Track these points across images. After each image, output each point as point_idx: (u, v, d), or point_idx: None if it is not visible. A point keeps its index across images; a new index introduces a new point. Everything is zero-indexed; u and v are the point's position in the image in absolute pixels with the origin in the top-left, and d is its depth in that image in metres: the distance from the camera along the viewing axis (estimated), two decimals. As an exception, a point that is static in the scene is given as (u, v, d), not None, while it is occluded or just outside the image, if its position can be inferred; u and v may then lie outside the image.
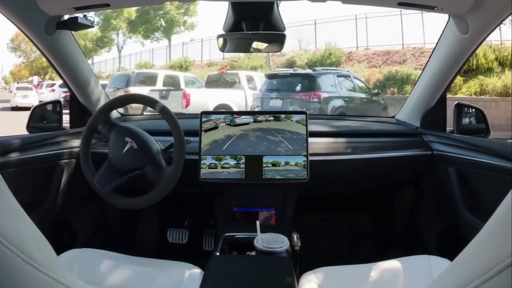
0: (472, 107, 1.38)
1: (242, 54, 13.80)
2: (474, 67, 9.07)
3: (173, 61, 17.86)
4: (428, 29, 11.08)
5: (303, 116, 1.24)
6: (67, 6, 1.07)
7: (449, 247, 1.29)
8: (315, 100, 6.75)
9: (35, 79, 25.66)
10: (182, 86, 9.11)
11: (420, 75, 1.42)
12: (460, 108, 1.37)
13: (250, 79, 8.96)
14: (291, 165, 1.21)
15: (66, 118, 1.43)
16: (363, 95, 7.77)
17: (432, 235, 1.37)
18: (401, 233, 1.59)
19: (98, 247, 1.09)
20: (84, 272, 0.97)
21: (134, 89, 8.35)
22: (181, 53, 18.38)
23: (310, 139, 1.24)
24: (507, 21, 7.32)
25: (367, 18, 12.78)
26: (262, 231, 1.03)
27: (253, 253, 1.01)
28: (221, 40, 1.23)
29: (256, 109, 6.93)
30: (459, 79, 8.59)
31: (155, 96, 7.55)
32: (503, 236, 0.28)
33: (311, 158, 1.22)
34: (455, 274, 0.34)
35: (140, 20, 19.94)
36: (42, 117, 1.45)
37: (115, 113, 1.59)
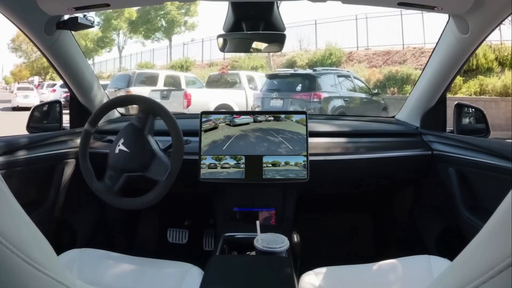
0: (472, 107, 1.38)
1: (242, 54, 13.81)
2: (474, 67, 9.07)
3: (173, 61, 17.87)
4: (428, 29, 11.09)
5: (303, 116, 1.24)
6: (67, 6, 1.07)
7: (449, 247, 1.29)
8: (315, 100, 6.76)
9: (36, 79, 25.70)
10: (183, 86, 9.11)
11: (420, 75, 1.42)
12: (460, 108, 1.37)
13: (250, 79, 8.96)
14: (291, 165, 1.21)
15: (66, 118, 1.43)
16: (363, 95, 7.77)
17: (432, 235, 1.37)
18: (401, 233, 1.58)
19: (98, 247, 1.09)
20: (84, 272, 0.97)
21: (135, 89, 8.36)
22: (181, 53, 18.42)
23: (310, 139, 1.24)
24: (507, 21, 7.32)
25: (368, 18, 12.79)
26: (262, 231, 1.03)
27: (253, 253, 1.00)
28: (221, 40, 1.23)
29: (257, 109, 6.94)
30: (459, 79, 8.59)
31: (157, 96, 7.58)
32: (503, 236, 0.28)
33: (311, 158, 1.22)
34: (455, 274, 0.34)
35: (141, 20, 19.96)
36: (42, 117, 1.45)
37: (115, 114, 1.60)
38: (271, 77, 7.90)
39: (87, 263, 1.01)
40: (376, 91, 8.24)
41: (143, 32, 20.44)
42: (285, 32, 1.19)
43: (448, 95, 1.42)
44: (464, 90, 8.81)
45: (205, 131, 1.24)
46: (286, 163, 1.21)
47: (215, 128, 1.25)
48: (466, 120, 1.39)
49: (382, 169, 1.38)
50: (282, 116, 1.25)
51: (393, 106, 7.87)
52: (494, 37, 9.23)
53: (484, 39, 1.12)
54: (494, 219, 0.31)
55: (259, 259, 0.96)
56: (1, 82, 36.45)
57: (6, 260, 0.30)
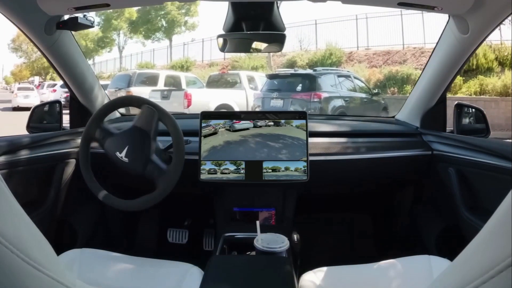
0: (472, 107, 1.38)
1: (243, 54, 13.81)
2: (474, 67, 9.08)
3: (174, 61, 17.87)
4: (429, 29, 11.10)
5: (303, 122, 1.24)
6: (67, 6, 1.07)
7: (449, 247, 1.29)
8: (315, 100, 6.77)
9: (36, 79, 25.73)
10: (184, 86, 9.11)
11: (420, 75, 1.42)
12: (460, 108, 1.37)
13: (251, 79, 8.97)
14: (291, 170, 1.21)
15: (66, 118, 1.43)
16: (363, 95, 7.78)
17: (432, 235, 1.37)
18: (401, 233, 1.58)
19: (98, 247, 1.09)
20: (84, 272, 0.97)
21: (136, 90, 8.36)
22: (182, 53, 18.42)
23: (310, 139, 1.24)
24: (507, 21, 7.32)
25: (368, 18, 12.79)
26: (262, 231, 1.03)
27: (253, 253, 1.00)
28: (221, 40, 1.23)
29: (257, 109, 6.94)
30: (459, 79, 8.59)
31: (157, 96, 7.58)
32: (503, 236, 0.28)
33: (311, 158, 1.22)
34: (455, 274, 0.34)
35: (141, 20, 19.97)
36: (42, 117, 1.45)
37: (116, 114, 1.60)
38: (271, 77, 7.91)
39: (87, 263, 1.01)
40: (376, 91, 8.25)
41: (143, 32, 20.45)
42: (285, 32, 1.19)
43: (448, 95, 1.42)
44: (464, 90, 8.81)
45: (205, 136, 1.24)
46: (286, 169, 1.21)
47: (214, 133, 1.25)
48: (466, 120, 1.39)
49: (382, 169, 1.38)
50: (282, 121, 1.25)
51: (393, 106, 7.87)
52: (494, 37, 9.25)
53: (484, 39, 1.11)
54: (494, 219, 0.31)
55: (259, 259, 0.96)
56: (1, 82, 36.47)
57: (6, 260, 0.30)
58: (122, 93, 8.22)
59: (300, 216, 1.35)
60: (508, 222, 0.28)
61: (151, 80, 9.25)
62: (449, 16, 1.15)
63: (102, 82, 1.62)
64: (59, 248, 0.89)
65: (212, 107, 7.46)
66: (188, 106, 7.41)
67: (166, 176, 1.08)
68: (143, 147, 1.10)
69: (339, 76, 7.75)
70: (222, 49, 1.25)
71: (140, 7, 18.78)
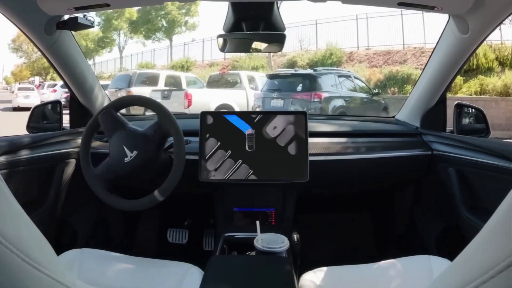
0: (472, 107, 1.38)
1: (243, 54, 13.82)
2: (474, 67, 9.08)
3: (174, 61, 17.87)
4: (429, 29, 11.10)
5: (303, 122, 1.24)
6: (67, 6, 1.07)
7: (449, 247, 1.29)
8: (316, 100, 6.77)
9: (37, 79, 25.74)
10: (184, 86, 9.12)
11: (420, 75, 1.42)
12: (460, 108, 1.37)
13: (251, 79, 8.97)
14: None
15: (66, 118, 1.43)
16: (363, 95, 7.79)
17: (432, 235, 1.37)
18: (401, 233, 1.58)
19: (98, 247, 1.09)
20: (84, 272, 0.97)
21: (136, 90, 8.37)
22: (182, 53, 18.42)
23: (310, 139, 1.24)
24: (507, 21, 7.32)
25: (368, 18, 12.80)
26: (262, 231, 1.03)
27: (253, 253, 1.01)
28: (221, 40, 1.23)
29: (258, 109, 6.95)
30: (459, 79, 8.60)
31: (157, 96, 7.58)
32: (503, 236, 0.28)
33: (311, 158, 1.22)
34: (455, 274, 0.34)
35: (142, 20, 19.97)
36: (42, 117, 1.45)
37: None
38: (271, 77, 7.91)
39: (87, 263, 1.01)
40: (376, 91, 8.25)
41: (143, 32, 20.45)
42: (285, 32, 1.19)
43: (448, 95, 1.42)
44: (465, 90, 8.81)
45: (207, 137, 1.24)
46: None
47: None
48: (466, 120, 1.39)
49: (382, 169, 1.38)
50: None
51: (393, 106, 7.87)
52: (494, 37, 9.24)
53: (484, 39, 1.11)
54: (494, 219, 0.31)
55: (259, 259, 0.96)
56: (1, 82, 36.49)
57: (6, 260, 0.30)
58: (122, 93, 8.22)
59: (300, 216, 1.35)
60: (508, 222, 0.28)
61: (151, 80, 9.26)
62: (449, 16, 1.15)
63: (102, 82, 1.63)
64: (59, 248, 0.89)
65: (212, 107, 7.46)
66: (189, 106, 7.42)
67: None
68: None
69: (339, 76, 7.75)
70: (222, 49, 1.25)
71: (140, 7, 18.79)
